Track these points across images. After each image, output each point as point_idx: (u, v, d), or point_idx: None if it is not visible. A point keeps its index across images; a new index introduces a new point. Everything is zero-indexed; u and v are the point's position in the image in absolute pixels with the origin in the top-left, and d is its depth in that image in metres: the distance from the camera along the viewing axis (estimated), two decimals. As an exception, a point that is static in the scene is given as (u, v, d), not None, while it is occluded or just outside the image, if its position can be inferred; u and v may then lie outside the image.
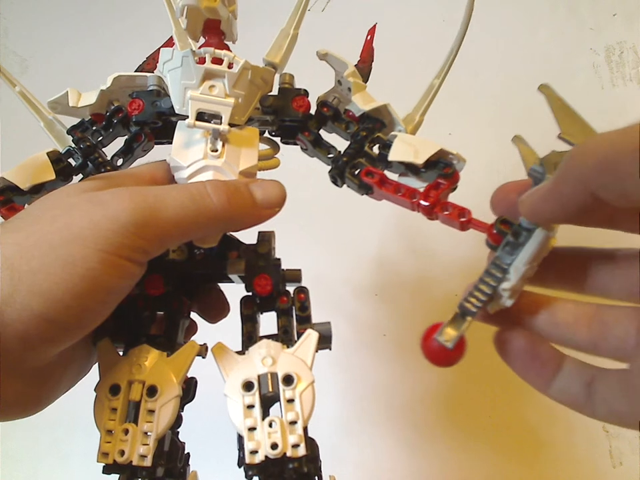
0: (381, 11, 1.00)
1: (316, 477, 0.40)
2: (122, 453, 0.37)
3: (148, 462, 0.37)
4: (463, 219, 0.39)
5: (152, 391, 0.39)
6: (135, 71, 0.49)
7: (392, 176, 0.44)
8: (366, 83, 0.47)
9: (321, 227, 0.89)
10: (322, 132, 0.47)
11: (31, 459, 0.80)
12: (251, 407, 0.38)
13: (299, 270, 0.45)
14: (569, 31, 1.00)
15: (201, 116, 0.42)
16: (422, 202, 0.40)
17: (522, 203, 0.32)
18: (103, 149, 0.48)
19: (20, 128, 0.70)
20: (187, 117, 0.41)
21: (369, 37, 0.49)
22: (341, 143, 0.47)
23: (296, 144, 0.48)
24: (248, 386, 0.39)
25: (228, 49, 0.45)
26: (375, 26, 0.49)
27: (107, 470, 0.38)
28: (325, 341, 0.42)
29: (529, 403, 0.77)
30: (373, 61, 0.49)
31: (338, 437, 0.76)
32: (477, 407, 0.78)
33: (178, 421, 0.42)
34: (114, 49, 1.12)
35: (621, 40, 0.97)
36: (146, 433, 0.38)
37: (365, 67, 0.48)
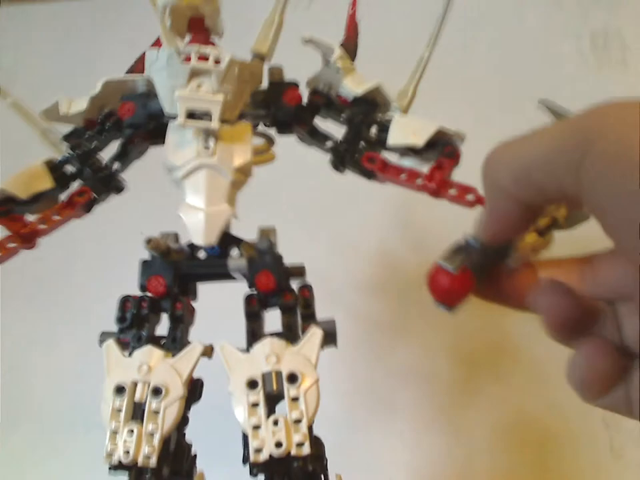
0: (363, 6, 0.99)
1: (322, 476, 0.40)
2: (127, 453, 0.37)
3: (153, 462, 0.37)
4: (470, 197, 0.39)
5: (157, 392, 0.39)
6: (125, 74, 0.49)
7: (393, 156, 0.44)
8: (354, 60, 0.47)
9: (320, 221, 0.89)
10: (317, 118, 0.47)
11: (31, 459, 0.80)
12: (255, 405, 0.38)
13: (303, 265, 0.44)
14: (553, 18, 0.99)
15: (191, 115, 0.42)
16: (428, 184, 0.40)
17: (480, 231, 0.29)
18: (100, 154, 0.48)
19: (14, 136, 0.70)
20: (178, 116, 0.41)
21: (351, 11, 0.47)
22: (336, 128, 0.46)
23: (292, 133, 0.48)
24: (252, 384, 0.38)
25: (214, 44, 0.45)
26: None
27: (112, 470, 0.38)
28: (329, 339, 0.42)
29: (529, 397, 0.77)
30: (357, 35, 0.48)
31: (341, 433, 0.75)
32: (478, 401, 0.78)
33: (184, 421, 0.42)
34: (100, 57, 1.11)
35: (606, 25, 0.96)
36: (151, 434, 0.38)
37: (350, 44, 0.47)
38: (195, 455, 0.44)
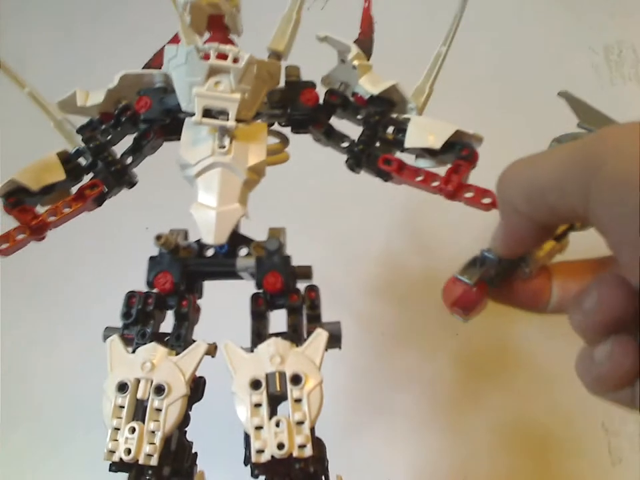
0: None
1: (323, 477, 0.40)
2: (128, 451, 0.37)
3: (154, 461, 0.37)
4: (486, 201, 0.39)
5: (159, 390, 0.39)
6: (142, 68, 0.49)
7: (408, 157, 0.44)
8: (369, 57, 0.47)
9: (323, 222, 0.89)
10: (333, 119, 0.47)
11: (31, 459, 0.80)
12: (258, 405, 0.37)
13: (310, 266, 0.44)
14: (567, 30, 0.99)
15: (208, 112, 0.41)
16: (444, 187, 0.40)
17: (495, 245, 0.30)
18: (113, 147, 0.48)
19: (19, 130, 0.70)
20: (194, 114, 0.41)
21: (366, 4, 0.47)
22: (352, 128, 0.46)
23: (307, 133, 0.48)
24: (256, 384, 0.38)
25: (233, 43, 0.45)
26: None
27: (113, 468, 0.37)
28: (334, 340, 0.42)
29: (529, 400, 0.76)
30: (373, 32, 0.48)
31: (342, 435, 0.75)
32: (478, 404, 0.77)
33: (185, 420, 0.41)
34: (114, 47, 1.12)
35: (620, 39, 0.96)
36: (153, 432, 0.38)
37: (366, 40, 0.47)
38: (196, 454, 0.44)
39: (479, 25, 0.96)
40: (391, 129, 0.45)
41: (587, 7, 1.01)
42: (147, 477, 0.38)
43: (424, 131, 0.42)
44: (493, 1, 1.00)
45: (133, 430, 0.37)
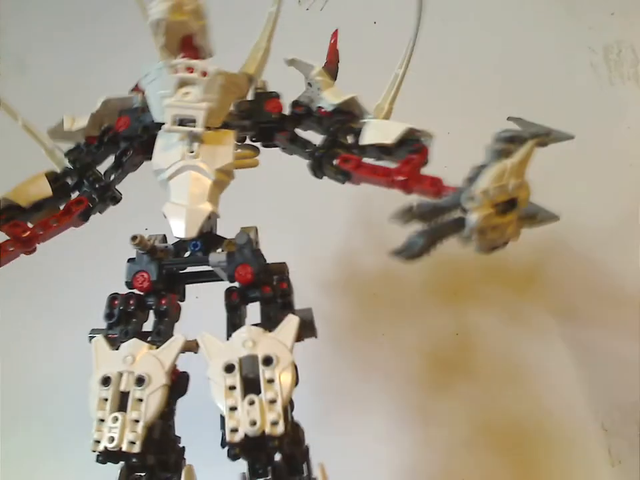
0: (377, 8, 1.01)
1: (305, 464, 0.40)
2: (111, 439, 0.38)
3: (137, 448, 0.38)
4: (435, 187, 0.40)
5: (140, 380, 0.40)
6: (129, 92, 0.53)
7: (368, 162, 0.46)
8: (334, 81, 0.50)
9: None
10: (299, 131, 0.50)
11: (31, 459, 0.80)
12: (232, 388, 0.39)
13: (284, 263, 0.46)
14: (567, 30, 1.01)
15: (182, 123, 0.45)
16: (397, 177, 0.42)
17: None
18: (97, 167, 0.51)
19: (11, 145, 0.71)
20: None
21: (332, 41, 0.51)
22: (317, 140, 0.49)
23: (276, 146, 0.51)
24: (229, 368, 0.39)
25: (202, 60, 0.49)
26: (336, 31, 0.52)
27: (100, 458, 0.39)
28: (308, 327, 0.43)
29: (527, 402, 0.76)
30: (338, 61, 0.51)
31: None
32: (474, 405, 0.77)
33: (170, 413, 0.43)
34: (114, 47, 1.11)
35: (619, 39, 0.97)
36: (135, 421, 0.39)
37: (332, 67, 0.51)
38: (184, 448, 0.45)
39: (479, 25, 0.98)
40: (350, 137, 0.48)
41: (587, 7, 1.03)
42: (137, 472, 0.39)
43: (378, 130, 0.45)
44: (493, 1, 1.02)
45: (115, 419, 0.39)
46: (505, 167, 0.36)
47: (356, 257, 0.89)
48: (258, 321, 0.44)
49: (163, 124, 0.46)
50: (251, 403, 0.38)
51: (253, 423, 0.37)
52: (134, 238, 0.44)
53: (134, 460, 0.39)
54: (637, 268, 0.81)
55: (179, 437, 0.45)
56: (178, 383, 0.43)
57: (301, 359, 0.41)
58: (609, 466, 0.71)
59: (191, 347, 0.44)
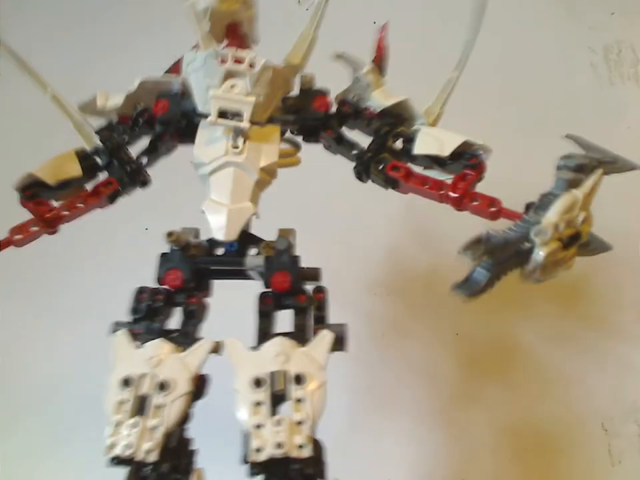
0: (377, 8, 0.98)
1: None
2: (128, 446, 0.37)
3: (153, 457, 0.37)
4: (493, 209, 0.39)
5: (163, 386, 0.39)
6: (164, 74, 0.50)
7: (417, 169, 0.44)
8: (384, 78, 0.48)
9: (331, 224, 0.88)
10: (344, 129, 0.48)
11: (31, 458, 0.79)
12: (259, 404, 0.37)
13: (318, 268, 0.44)
14: (567, 30, 1.00)
15: (223, 114, 0.43)
16: (451, 194, 0.40)
17: None
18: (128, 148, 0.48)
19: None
20: (210, 115, 0.42)
21: (380, 35, 0.49)
22: (363, 140, 0.47)
23: (318, 142, 0.49)
24: (258, 382, 0.38)
25: (250, 49, 0.46)
26: (386, 24, 0.49)
27: (113, 462, 0.37)
28: (339, 343, 0.41)
29: (528, 402, 0.75)
30: (387, 57, 0.49)
31: (342, 433, 0.74)
32: (480, 403, 0.76)
33: (187, 417, 0.41)
34: (114, 47, 1.09)
35: (619, 39, 0.96)
36: (153, 428, 0.38)
37: (380, 64, 0.48)
38: (195, 451, 0.43)
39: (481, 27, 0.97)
40: (399, 141, 0.45)
41: (587, 7, 1.02)
42: (146, 473, 0.38)
43: (433, 140, 0.43)
44: (493, 1, 1.01)
45: (133, 425, 0.37)
46: (576, 198, 0.35)
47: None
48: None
49: (205, 114, 0.44)
50: (279, 423, 0.36)
51: (280, 446, 0.35)
52: (170, 234, 0.42)
53: (148, 468, 0.37)
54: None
55: (191, 440, 0.43)
56: (198, 387, 0.42)
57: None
58: (609, 466, 0.71)
59: (215, 348, 0.42)
